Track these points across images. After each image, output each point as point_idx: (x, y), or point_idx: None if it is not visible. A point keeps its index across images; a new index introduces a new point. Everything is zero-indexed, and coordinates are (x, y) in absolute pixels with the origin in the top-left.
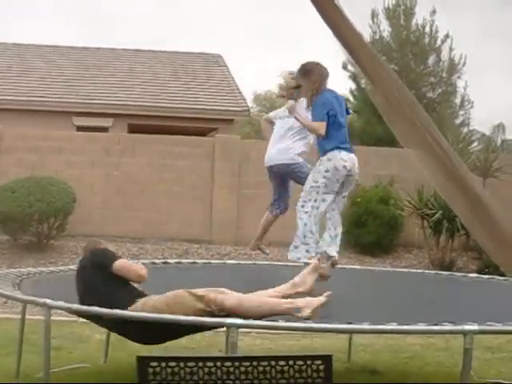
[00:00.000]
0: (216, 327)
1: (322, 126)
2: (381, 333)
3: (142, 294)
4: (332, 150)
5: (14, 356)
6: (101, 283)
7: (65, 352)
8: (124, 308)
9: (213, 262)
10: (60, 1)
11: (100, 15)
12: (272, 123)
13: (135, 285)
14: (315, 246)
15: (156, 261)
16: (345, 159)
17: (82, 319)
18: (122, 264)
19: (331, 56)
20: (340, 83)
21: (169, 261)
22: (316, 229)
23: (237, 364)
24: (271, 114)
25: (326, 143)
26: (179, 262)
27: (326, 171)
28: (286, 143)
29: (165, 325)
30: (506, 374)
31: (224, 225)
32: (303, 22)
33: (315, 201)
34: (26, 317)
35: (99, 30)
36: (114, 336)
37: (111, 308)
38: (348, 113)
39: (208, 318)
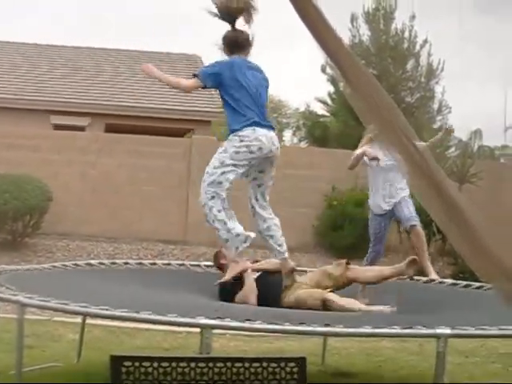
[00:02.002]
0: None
1: (186, 82)
2: (355, 336)
3: None
4: (244, 127)
5: None
6: None
7: (38, 351)
8: None
9: (187, 263)
10: None
11: (76, 14)
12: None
13: None
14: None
15: (130, 261)
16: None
17: (55, 318)
18: None
19: (309, 58)
20: (319, 86)
21: (143, 262)
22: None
23: (211, 365)
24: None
25: (233, 120)
26: (154, 263)
27: (236, 152)
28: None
29: None
30: (478, 378)
31: (200, 225)
32: (281, 24)
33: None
34: (0, 315)
35: (79, 28)
36: (87, 335)
37: None
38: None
39: (181, 318)
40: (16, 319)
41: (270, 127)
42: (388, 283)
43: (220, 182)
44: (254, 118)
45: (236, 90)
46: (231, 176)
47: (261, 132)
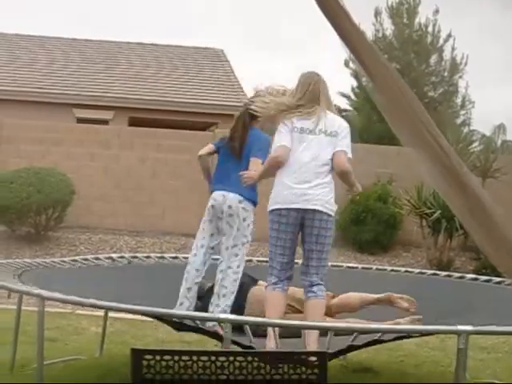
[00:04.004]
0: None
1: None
2: (376, 332)
3: None
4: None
5: (9, 347)
6: None
7: (60, 344)
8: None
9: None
10: None
11: (104, 8)
12: None
13: None
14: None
15: (152, 255)
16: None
17: (78, 311)
18: None
19: (333, 53)
20: (342, 80)
21: (165, 255)
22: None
23: (231, 359)
24: None
25: None
26: (176, 257)
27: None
28: None
29: None
30: (500, 374)
31: None
32: (305, 19)
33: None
34: (23, 308)
35: (102, 22)
36: (109, 328)
37: None
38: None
39: (202, 313)
40: (37, 312)
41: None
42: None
43: None
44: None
45: None
46: None
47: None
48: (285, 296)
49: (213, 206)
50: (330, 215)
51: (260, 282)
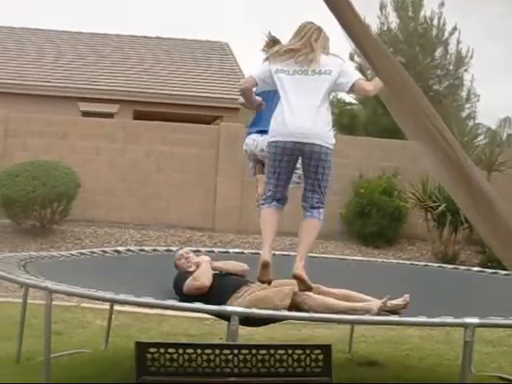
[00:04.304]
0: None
1: None
2: (382, 324)
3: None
4: None
5: (15, 340)
6: None
7: (66, 337)
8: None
9: (215, 250)
10: None
11: (110, 1)
12: None
13: None
14: None
15: (158, 248)
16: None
17: (83, 304)
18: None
19: (338, 46)
20: None
21: (171, 248)
22: None
23: (235, 352)
24: None
25: None
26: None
27: None
28: None
29: None
30: (506, 367)
31: (227, 213)
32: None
33: None
34: (29, 301)
35: (108, 16)
36: (115, 322)
37: None
38: None
39: (209, 306)
40: (44, 305)
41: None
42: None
43: None
44: None
45: None
46: None
47: None
48: (279, 211)
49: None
50: (328, 148)
51: (251, 285)
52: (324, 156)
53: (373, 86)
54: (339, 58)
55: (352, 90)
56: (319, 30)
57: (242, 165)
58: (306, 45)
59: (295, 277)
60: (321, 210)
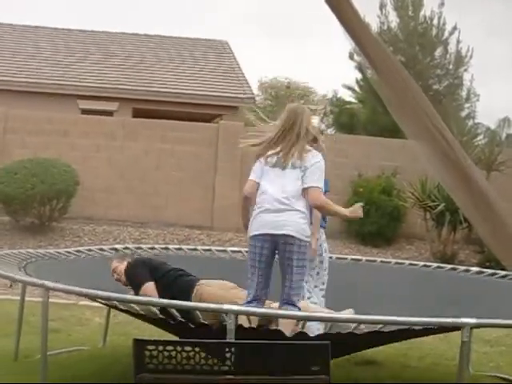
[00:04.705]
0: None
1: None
2: (379, 323)
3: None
4: None
5: (13, 337)
6: None
7: (64, 334)
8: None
9: (213, 248)
10: None
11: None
12: None
13: None
14: None
15: (156, 246)
16: None
17: (81, 302)
18: None
19: (337, 45)
20: (346, 73)
21: (169, 246)
22: None
23: (233, 350)
24: None
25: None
26: (180, 248)
27: None
28: None
29: None
30: (504, 367)
31: (226, 211)
32: (309, 10)
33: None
34: (27, 299)
35: (108, 13)
36: (113, 319)
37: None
38: None
39: (205, 304)
40: (41, 303)
41: None
42: (403, 268)
43: None
44: None
45: None
46: None
47: None
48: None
49: None
50: (301, 240)
51: (201, 282)
52: (297, 248)
53: (325, 203)
54: (316, 155)
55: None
56: (304, 117)
57: (240, 163)
58: (289, 138)
59: None
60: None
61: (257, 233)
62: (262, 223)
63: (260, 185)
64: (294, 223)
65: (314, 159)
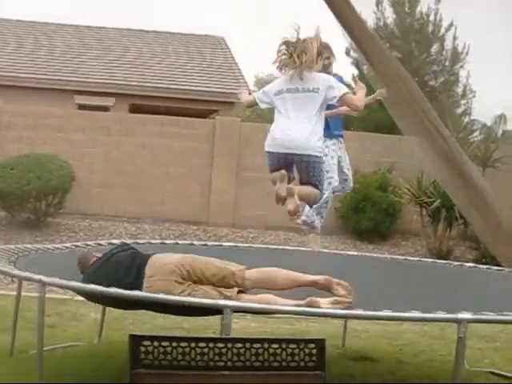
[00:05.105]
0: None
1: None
2: (375, 319)
3: None
4: None
5: (8, 333)
6: None
7: (59, 330)
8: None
9: (209, 243)
10: None
11: None
12: None
13: None
14: None
15: (153, 241)
16: None
17: (77, 297)
18: None
19: (334, 41)
20: (343, 69)
21: (166, 242)
22: None
23: (229, 345)
24: None
25: None
26: (176, 243)
27: None
28: None
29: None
30: (499, 363)
31: (222, 207)
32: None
33: None
34: (23, 294)
35: (104, 9)
36: (108, 315)
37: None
38: None
39: (201, 299)
40: (38, 298)
41: None
42: (399, 264)
43: None
44: None
45: None
46: None
47: None
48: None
49: None
50: (313, 156)
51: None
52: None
53: (361, 100)
54: (325, 75)
55: (342, 102)
56: (314, 41)
57: (237, 159)
58: (301, 62)
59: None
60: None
61: (270, 150)
62: (275, 142)
63: None
64: (306, 142)
65: (324, 77)
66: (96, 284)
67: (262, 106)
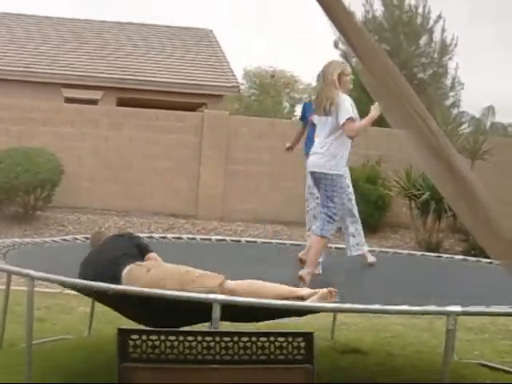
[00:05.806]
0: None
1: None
2: (364, 312)
3: None
4: None
5: None
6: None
7: (49, 323)
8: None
9: (198, 237)
10: None
11: None
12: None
13: None
14: None
15: (141, 235)
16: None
17: (66, 291)
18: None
19: (322, 33)
20: None
21: (154, 235)
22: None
23: (217, 339)
24: None
25: None
26: (164, 237)
27: None
28: None
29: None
30: (487, 355)
31: (210, 200)
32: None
33: None
34: (12, 287)
35: (91, 1)
36: (98, 308)
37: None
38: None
39: (192, 293)
40: (26, 292)
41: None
42: (388, 256)
43: None
44: None
45: None
46: None
47: None
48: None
49: None
50: (325, 174)
51: (150, 254)
52: (324, 181)
53: (355, 131)
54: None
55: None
56: (331, 68)
57: (225, 152)
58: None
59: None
60: (321, 223)
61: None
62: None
63: None
64: (322, 162)
65: (338, 100)
66: (85, 272)
67: None
